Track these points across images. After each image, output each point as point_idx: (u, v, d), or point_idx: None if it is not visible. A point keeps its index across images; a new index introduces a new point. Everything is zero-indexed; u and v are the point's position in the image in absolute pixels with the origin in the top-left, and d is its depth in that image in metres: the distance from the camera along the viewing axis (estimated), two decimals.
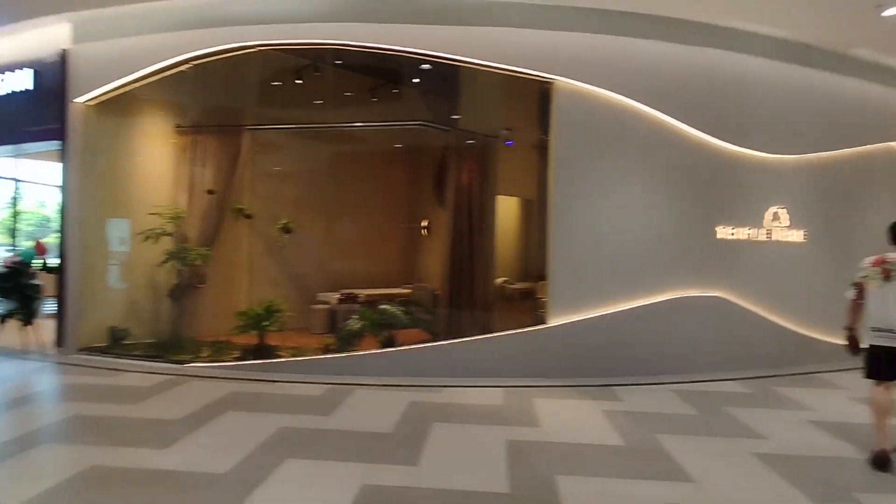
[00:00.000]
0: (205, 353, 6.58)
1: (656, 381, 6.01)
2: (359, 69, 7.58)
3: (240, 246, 8.19)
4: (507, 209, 8.70)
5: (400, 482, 3.40)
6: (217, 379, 5.79)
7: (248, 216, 7.80)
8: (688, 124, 6.48)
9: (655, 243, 6.35)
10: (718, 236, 6.63)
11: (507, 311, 7.97)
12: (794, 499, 3.33)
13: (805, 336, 7.10)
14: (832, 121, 7.45)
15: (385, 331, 6.53)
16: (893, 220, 4.27)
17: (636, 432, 4.44)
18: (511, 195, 8.82)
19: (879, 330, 3.88)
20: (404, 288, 8.88)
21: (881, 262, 4.04)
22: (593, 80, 6.14)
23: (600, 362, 6.11)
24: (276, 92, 7.58)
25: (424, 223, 9.55)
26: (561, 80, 6.10)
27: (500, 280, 8.36)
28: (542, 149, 6.38)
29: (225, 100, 7.69)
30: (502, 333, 6.33)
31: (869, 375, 4.04)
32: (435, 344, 6.52)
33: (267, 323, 6.55)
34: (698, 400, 5.44)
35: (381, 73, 7.62)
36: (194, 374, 5.97)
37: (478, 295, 7.49)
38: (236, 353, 6.49)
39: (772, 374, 6.56)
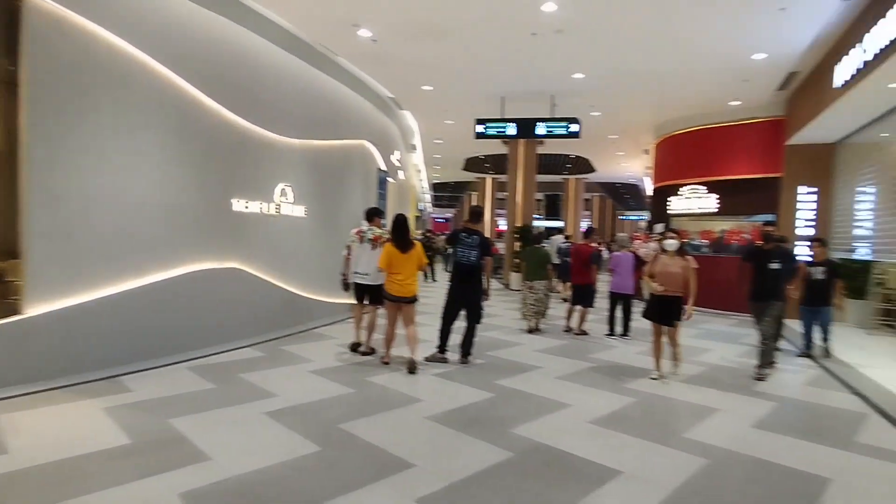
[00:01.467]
0: None
1: (172, 362, 5.56)
2: None
3: None
4: None
5: None
6: None
7: None
8: (206, 94, 6.16)
9: (169, 213, 5.78)
10: (234, 209, 6.66)
11: None
12: (297, 444, 3.69)
13: (307, 298, 8.11)
14: (324, 114, 8.68)
15: None
16: (369, 207, 6.60)
17: (147, 423, 3.95)
18: None
19: (357, 273, 6.30)
20: None
21: (359, 232, 6.36)
22: (94, 14, 4.96)
23: (104, 351, 5.15)
24: None
25: None
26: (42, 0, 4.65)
27: None
28: (10, 85, 4.73)
29: None
30: None
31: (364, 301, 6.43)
32: None
33: None
34: (215, 373, 5.35)
35: None
36: None
37: None
38: None
39: (282, 335, 7.19)
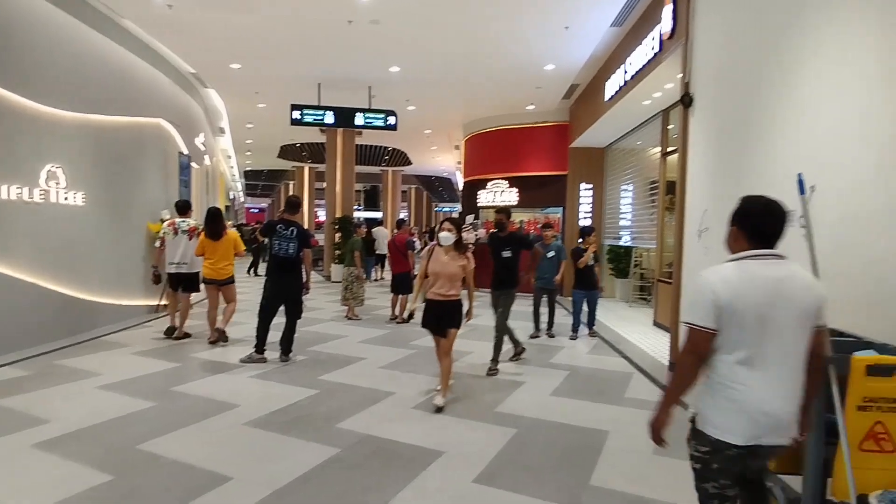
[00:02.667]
0: None
1: None
2: None
3: None
4: None
5: None
6: None
7: None
8: None
9: None
10: None
11: None
12: (80, 476, 3.08)
13: (90, 301, 6.84)
14: (108, 86, 7.36)
15: None
16: (180, 200, 7.18)
17: None
18: None
19: (173, 263, 6.58)
20: None
21: (172, 224, 6.69)
22: None
23: None
24: None
25: None
26: None
27: None
28: None
29: None
30: None
31: None
32: None
33: None
34: None
35: None
36: None
37: None
38: None
39: (57, 348, 5.95)
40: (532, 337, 7.25)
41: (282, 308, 5.80)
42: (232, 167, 24.41)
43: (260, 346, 5.71)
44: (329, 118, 10.40)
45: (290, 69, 9.80)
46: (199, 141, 11.48)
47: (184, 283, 6.61)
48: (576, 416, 4.32)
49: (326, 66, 9.60)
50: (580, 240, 7.49)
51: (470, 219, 13.86)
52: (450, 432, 3.93)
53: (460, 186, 18.95)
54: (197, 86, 11.16)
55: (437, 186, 33.07)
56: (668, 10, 6.02)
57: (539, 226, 7.94)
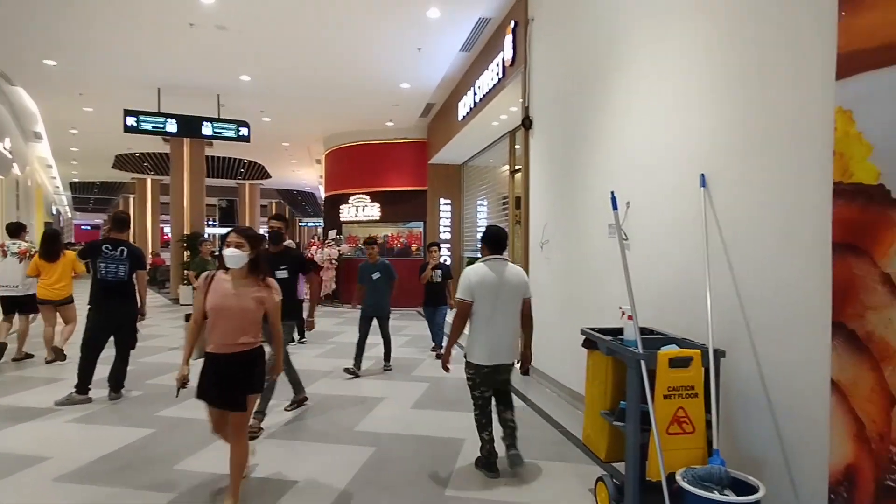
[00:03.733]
0: None
1: None
2: None
3: None
4: None
5: None
6: None
7: None
8: None
9: None
10: None
11: None
12: None
13: None
14: None
15: None
16: (13, 222, 6.88)
17: None
18: None
19: (5, 287, 6.35)
20: None
21: (2, 247, 6.37)
22: None
23: None
24: None
25: None
26: None
27: None
28: None
29: None
30: None
31: None
32: None
33: None
34: None
35: None
36: None
37: None
38: None
39: None
40: (350, 374, 5.92)
41: (112, 340, 5.06)
42: (54, 178, 21.05)
43: (83, 385, 4.89)
44: (171, 126, 9.43)
45: (122, 70, 8.74)
46: (3, 146, 9.68)
47: (20, 305, 6.50)
48: (435, 427, 4.35)
49: (167, 71, 8.73)
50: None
51: (332, 234, 13.51)
52: (305, 459, 3.70)
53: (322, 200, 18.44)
54: (0, 82, 9.44)
55: (300, 201, 31.81)
56: (508, 40, 6.46)
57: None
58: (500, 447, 3.51)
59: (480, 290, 3.32)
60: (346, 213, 13.43)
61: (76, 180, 24.12)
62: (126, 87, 9.41)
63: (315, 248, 13.39)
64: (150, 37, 7.40)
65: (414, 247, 12.90)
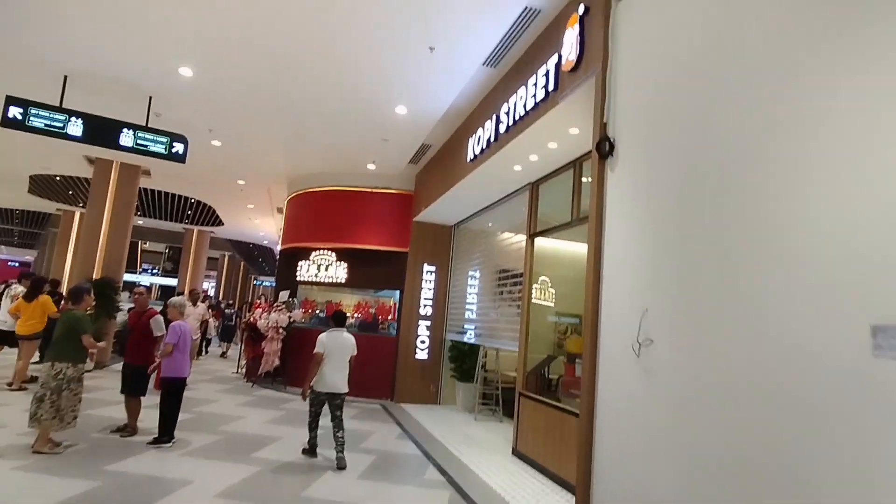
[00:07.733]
0: None
1: None
2: None
3: None
4: None
5: None
6: None
7: None
8: None
9: None
10: None
11: None
12: None
13: None
14: None
15: None
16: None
17: None
18: None
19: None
20: None
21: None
22: None
23: None
24: None
25: None
26: None
27: None
28: None
29: None
30: None
31: None
32: None
33: None
34: None
35: None
36: None
37: None
38: None
39: None
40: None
41: None
42: None
43: None
44: (75, 128, 6.79)
45: (11, 46, 6.24)
46: None
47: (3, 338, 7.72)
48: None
49: (73, 52, 6.27)
50: None
51: (284, 295, 10.69)
52: None
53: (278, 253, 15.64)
54: None
55: (256, 257, 28.67)
56: (570, 35, 4.34)
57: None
58: None
59: (328, 347, 5.31)
60: (305, 271, 10.72)
61: None
62: (19, 69, 6.87)
63: (260, 310, 10.50)
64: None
65: (383, 318, 10.22)
